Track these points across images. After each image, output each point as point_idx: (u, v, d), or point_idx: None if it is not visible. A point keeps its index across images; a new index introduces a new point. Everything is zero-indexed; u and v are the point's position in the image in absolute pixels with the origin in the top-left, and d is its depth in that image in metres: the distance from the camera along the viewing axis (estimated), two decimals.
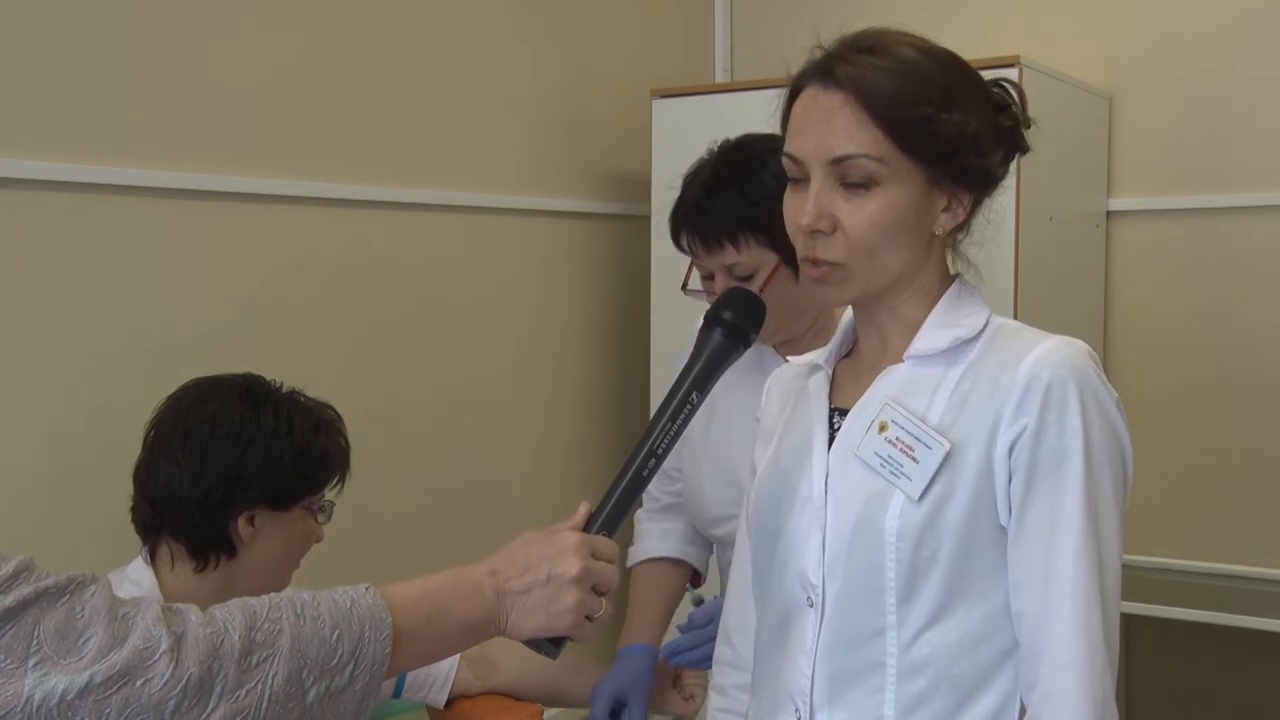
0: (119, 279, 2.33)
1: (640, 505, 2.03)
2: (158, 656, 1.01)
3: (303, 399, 1.66)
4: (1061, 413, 1.21)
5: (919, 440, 1.23)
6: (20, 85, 2.17)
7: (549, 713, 1.91)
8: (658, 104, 3.22)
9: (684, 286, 1.90)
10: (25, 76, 2.18)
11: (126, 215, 2.33)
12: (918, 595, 1.23)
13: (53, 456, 2.23)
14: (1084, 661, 1.19)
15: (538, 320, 3.26)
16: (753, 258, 1.73)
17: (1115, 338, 3.31)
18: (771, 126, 1.37)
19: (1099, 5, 3.29)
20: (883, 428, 1.26)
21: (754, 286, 1.72)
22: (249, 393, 1.62)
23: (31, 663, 0.97)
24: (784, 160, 1.29)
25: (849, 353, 1.40)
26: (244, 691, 1.04)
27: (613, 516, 1.28)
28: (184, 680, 1.02)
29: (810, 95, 1.28)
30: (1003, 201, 1.38)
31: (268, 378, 1.67)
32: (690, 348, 1.36)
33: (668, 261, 3.14)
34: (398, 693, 1.84)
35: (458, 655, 1.82)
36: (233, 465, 1.56)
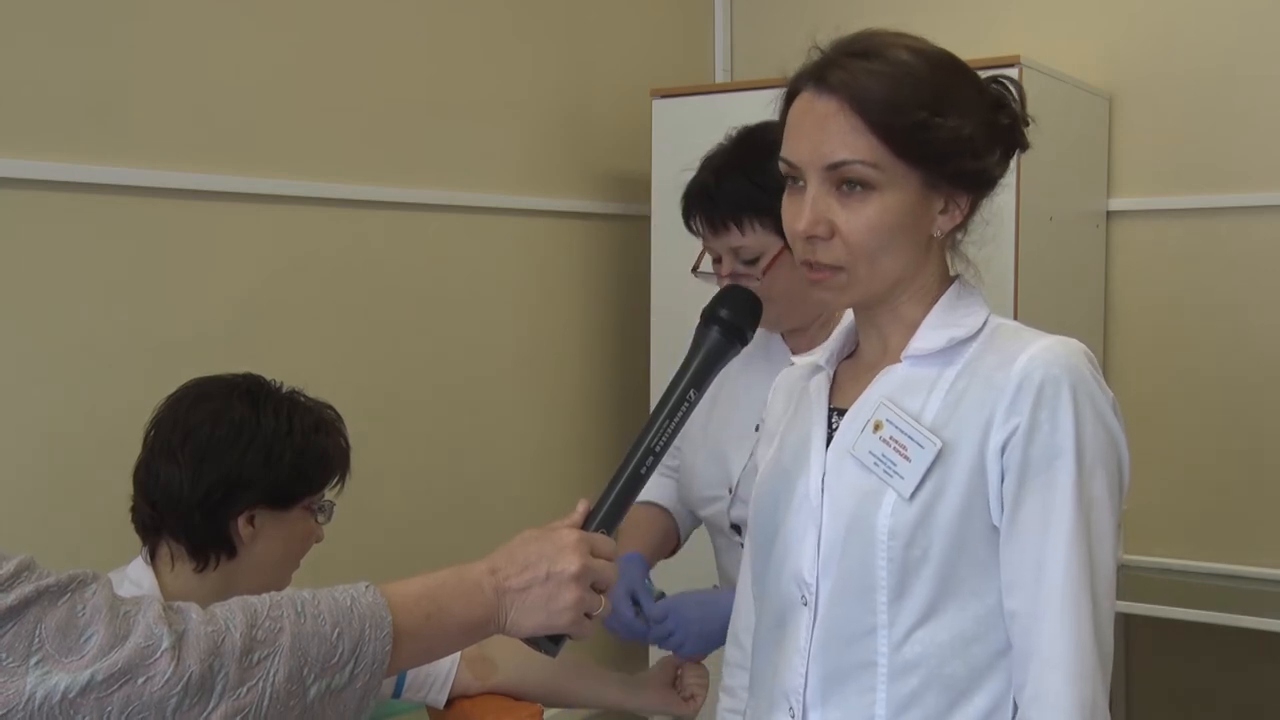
0: (119, 279, 2.33)
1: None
2: (159, 654, 1.01)
3: (303, 399, 1.66)
4: (1054, 412, 1.21)
5: (911, 439, 1.24)
6: (20, 85, 2.17)
7: (549, 713, 1.90)
8: (658, 104, 3.22)
9: (694, 269, 1.94)
10: (25, 76, 2.18)
11: (126, 215, 2.33)
12: (908, 594, 1.23)
13: (53, 456, 2.23)
14: (1073, 661, 1.19)
15: (538, 320, 3.26)
16: (758, 241, 1.78)
17: (1115, 338, 3.31)
18: None
19: (1099, 5, 3.29)
20: (877, 427, 1.27)
21: (759, 270, 1.77)
22: (249, 393, 1.62)
23: (33, 661, 0.98)
24: (780, 164, 1.30)
25: (851, 354, 1.41)
26: (245, 689, 1.05)
27: (611, 514, 1.29)
28: (185, 678, 1.02)
29: (805, 100, 1.28)
30: (1003, 201, 1.38)
31: (268, 378, 1.67)
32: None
33: (668, 262, 3.15)
34: (398, 692, 1.84)
35: (458, 655, 1.82)
36: (233, 465, 1.57)
